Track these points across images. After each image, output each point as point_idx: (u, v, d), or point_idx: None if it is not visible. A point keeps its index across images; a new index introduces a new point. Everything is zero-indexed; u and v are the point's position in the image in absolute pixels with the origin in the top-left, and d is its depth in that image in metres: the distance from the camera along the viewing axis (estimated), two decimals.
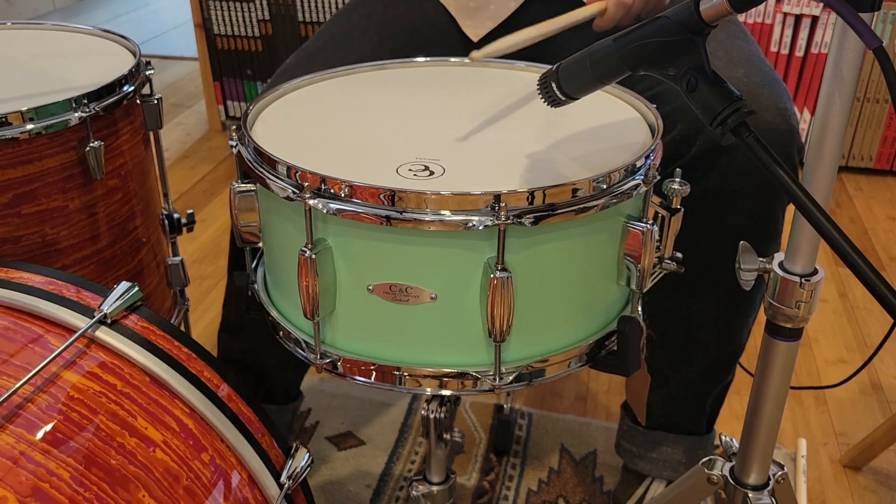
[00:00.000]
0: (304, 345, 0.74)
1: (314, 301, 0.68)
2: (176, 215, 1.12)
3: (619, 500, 1.23)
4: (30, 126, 0.85)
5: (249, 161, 0.72)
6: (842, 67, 0.64)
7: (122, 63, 0.99)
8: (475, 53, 0.81)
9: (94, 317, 0.67)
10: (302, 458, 0.74)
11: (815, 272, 0.73)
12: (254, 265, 0.84)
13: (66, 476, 0.57)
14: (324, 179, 0.65)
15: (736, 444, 0.85)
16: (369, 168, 0.72)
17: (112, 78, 0.93)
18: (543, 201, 0.64)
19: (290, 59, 1.12)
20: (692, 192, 0.76)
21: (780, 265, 0.73)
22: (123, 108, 0.95)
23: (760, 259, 0.75)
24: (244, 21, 2.45)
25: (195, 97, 2.89)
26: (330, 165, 0.70)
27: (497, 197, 0.63)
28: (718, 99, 0.60)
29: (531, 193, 0.64)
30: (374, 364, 0.71)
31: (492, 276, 0.64)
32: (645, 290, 0.74)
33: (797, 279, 0.72)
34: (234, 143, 0.74)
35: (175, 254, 1.13)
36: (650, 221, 0.71)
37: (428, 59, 0.96)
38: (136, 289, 0.71)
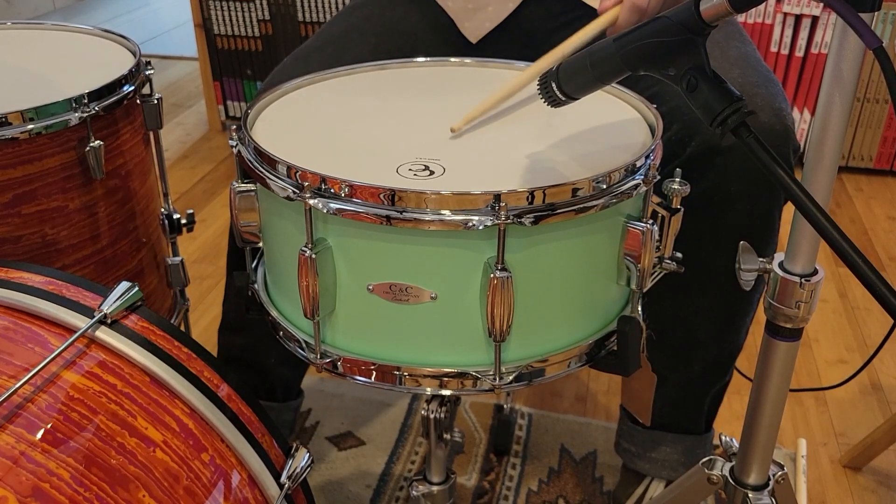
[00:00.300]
0: (304, 344, 0.74)
1: (314, 301, 0.68)
2: (176, 215, 1.12)
3: (618, 500, 1.23)
4: (30, 126, 0.85)
5: (249, 161, 0.72)
6: (842, 67, 0.64)
7: (122, 63, 0.99)
8: (456, 125, 0.79)
9: (94, 317, 0.67)
10: (302, 458, 0.74)
11: (815, 272, 0.73)
12: (254, 265, 0.84)
13: (66, 476, 0.57)
14: (324, 179, 0.65)
15: (736, 444, 0.85)
16: (369, 168, 0.72)
17: (112, 78, 0.93)
18: (543, 201, 0.64)
19: (288, 58, 1.12)
20: (689, 192, 0.76)
21: (780, 265, 0.73)
22: (123, 108, 0.95)
23: (760, 259, 0.75)
24: (244, 21, 2.45)
25: (195, 97, 2.89)
26: (330, 165, 0.70)
27: (497, 197, 0.63)
28: (718, 99, 0.60)
29: (531, 193, 0.64)
30: (374, 364, 0.71)
31: (492, 275, 0.64)
32: (645, 290, 0.74)
33: (797, 279, 0.72)
34: (234, 143, 0.74)
35: (175, 254, 1.13)
36: (650, 221, 0.71)
37: (428, 59, 0.96)
38: (136, 289, 0.71)
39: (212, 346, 1.08)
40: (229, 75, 2.55)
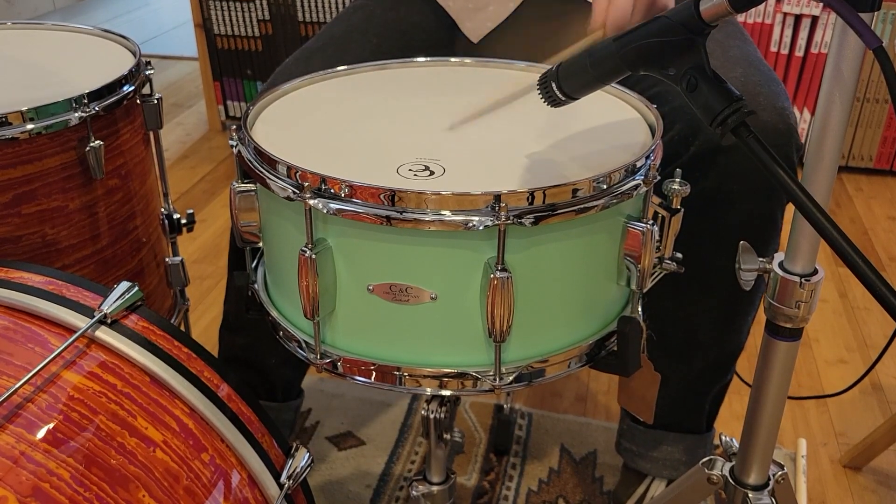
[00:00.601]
0: (304, 345, 0.74)
1: (314, 301, 0.68)
2: (176, 215, 1.12)
3: (619, 500, 1.23)
4: (30, 126, 0.86)
5: (249, 161, 0.72)
6: (842, 67, 0.64)
7: (122, 63, 0.99)
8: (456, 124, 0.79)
9: (94, 317, 0.67)
10: (302, 458, 0.74)
11: (815, 272, 0.73)
12: (254, 265, 0.84)
13: (66, 476, 0.57)
14: (324, 179, 0.65)
15: (736, 444, 0.85)
16: (369, 168, 0.72)
17: (112, 78, 0.93)
18: (543, 201, 0.64)
19: (290, 58, 1.12)
20: (690, 193, 0.76)
21: (780, 265, 0.73)
22: (123, 108, 0.95)
23: (760, 259, 0.75)
24: (244, 21, 2.45)
25: (195, 97, 2.89)
26: (330, 165, 0.70)
27: (497, 197, 0.63)
28: (719, 99, 0.60)
29: (531, 193, 0.64)
30: (374, 364, 0.71)
31: (492, 276, 0.64)
32: (645, 291, 0.74)
33: (797, 279, 0.72)
34: (234, 143, 0.74)
35: (175, 254, 1.14)
36: (650, 221, 0.71)
37: (428, 59, 0.96)
38: (136, 289, 0.71)
39: (212, 346, 1.08)
40: (229, 75, 2.55)
